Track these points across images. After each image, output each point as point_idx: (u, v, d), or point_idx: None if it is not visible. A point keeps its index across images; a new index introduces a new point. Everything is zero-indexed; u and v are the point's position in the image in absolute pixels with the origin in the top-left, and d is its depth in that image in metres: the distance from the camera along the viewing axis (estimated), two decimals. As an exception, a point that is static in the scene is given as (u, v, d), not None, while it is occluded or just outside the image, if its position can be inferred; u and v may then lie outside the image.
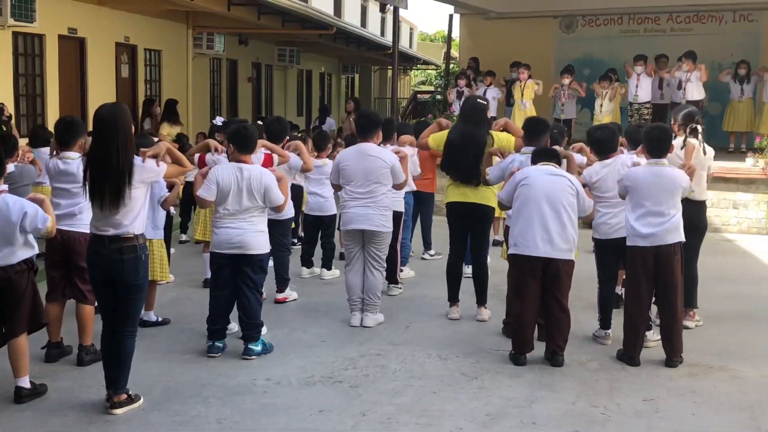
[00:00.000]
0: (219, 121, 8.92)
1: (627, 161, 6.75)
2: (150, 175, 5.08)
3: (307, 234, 9.35)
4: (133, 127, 5.12)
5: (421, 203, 9.69)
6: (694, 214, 6.95)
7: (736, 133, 15.27)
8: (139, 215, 5.08)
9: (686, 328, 6.98)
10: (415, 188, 9.16)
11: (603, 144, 6.87)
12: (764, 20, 17.44)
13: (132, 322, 5.19)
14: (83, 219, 5.86)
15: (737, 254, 10.95)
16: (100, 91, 13.56)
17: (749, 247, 11.34)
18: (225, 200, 6.13)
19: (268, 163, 7.07)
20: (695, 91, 14.05)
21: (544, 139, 6.91)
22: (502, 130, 7.47)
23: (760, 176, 12.34)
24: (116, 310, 5.13)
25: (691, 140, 7.05)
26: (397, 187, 7.29)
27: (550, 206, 6.10)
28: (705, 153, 7.12)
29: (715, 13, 17.82)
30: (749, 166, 12.61)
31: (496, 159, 7.03)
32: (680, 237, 6.20)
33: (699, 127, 7.12)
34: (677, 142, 6.99)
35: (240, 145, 6.24)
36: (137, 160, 4.99)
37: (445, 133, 7.43)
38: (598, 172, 6.77)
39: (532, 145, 6.75)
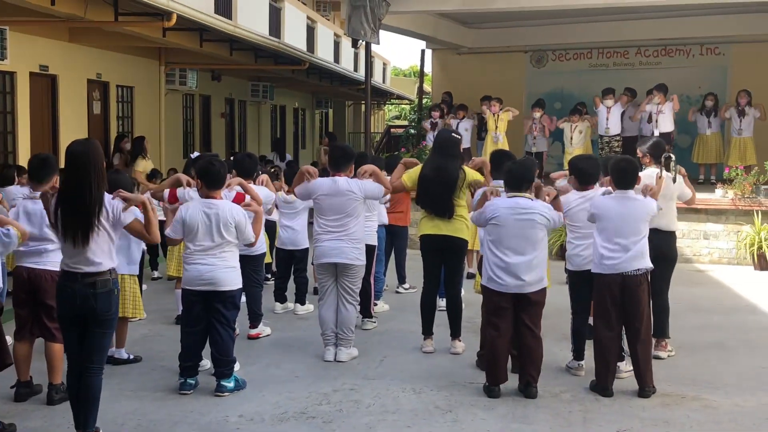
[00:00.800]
0: (195, 155, 8.90)
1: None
2: (116, 216, 5.05)
3: (280, 268, 9.32)
4: (104, 164, 5.11)
5: (394, 237, 9.70)
6: (665, 244, 7.02)
7: (706, 164, 15.47)
8: (111, 250, 5.06)
9: (658, 358, 7.03)
10: (387, 222, 9.18)
11: (585, 174, 6.82)
12: (731, 53, 17.78)
13: (100, 358, 5.13)
14: (50, 257, 5.86)
15: (709, 284, 11.04)
16: (72, 128, 13.50)
17: (720, 277, 11.44)
18: (194, 237, 6.10)
19: (239, 199, 7.05)
20: (666, 124, 14.21)
21: None
22: (477, 169, 7.49)
23: (730, 207, 12.50)
24: (84, 347, 5.06)
25: (658, 170, 7.06)
26: (386, 192, 7.33)
27: (520, 247, 6.11)
28: (675, 182, 7.18)
29: (683, 47, 18.15)
30: (719, 197, 12.77)
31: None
32: (646, 264, 6.25)
33: (672, 156, 7.20)
34: (649, 172, 7.05)
35: (208, 181, 6.20)
36: (107, 197, 4.99)
37: (418, 168, 7.45)
38: (574, 201, 6.77)
39: (499, 178, 6.78)
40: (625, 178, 6.33)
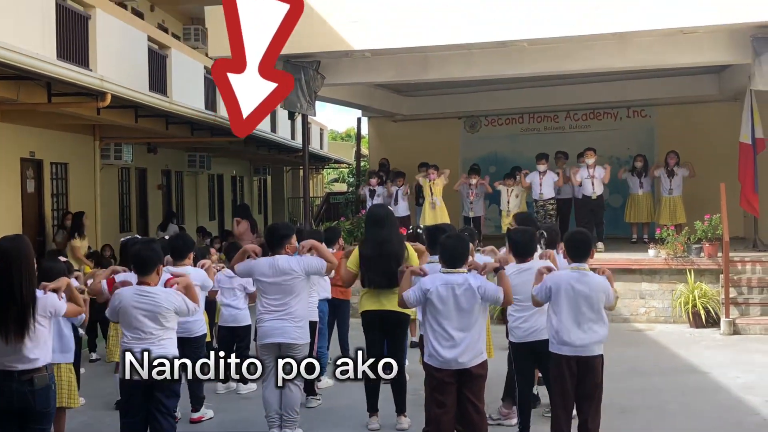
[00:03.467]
0: (127, 239, 8.81)
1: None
2: (52, 309, 5.01)
3: (222, 347, 9.21)
4: (34, 259, 5.07)
5: (337, 309, 9.67)
6: None
7: (638, 224, 15.86)
8: (47, 343, 5.00)
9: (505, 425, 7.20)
10: (330, 296, 9.18)
11: (522, 246, 6.93)
12: (657, 115, 18.38)
13: (41, 456, 5.01)
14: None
15: (647, 344, 11.24)
16: (5, 207, 13.27)
17: (657, 337, 11.66)
18: (129, 325, 6.00)
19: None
20: (599, 186, 14.54)
21: None
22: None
23: (663, 266, 12.80)
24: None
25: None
26: (329, 269, 7.23)
27: (457, 323, 6.05)
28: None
29: (610, 110, 18.69)
30: (652, 256, 13.08)
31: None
32: (601, 351, 6.25)
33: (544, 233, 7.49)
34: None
35: (139, 268, 6.09)
36: (39, 292, 4.95)
37: (357, 250, 7.50)
38: (514, 274, 6.77)
39: (434, 254, 6.84)
40: (580, 249, 6.34)
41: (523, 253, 6.93)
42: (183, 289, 6.16)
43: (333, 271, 7.49)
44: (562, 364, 6.23)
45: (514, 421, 7.31)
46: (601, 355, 6.25)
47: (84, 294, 5.72)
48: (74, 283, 5.87)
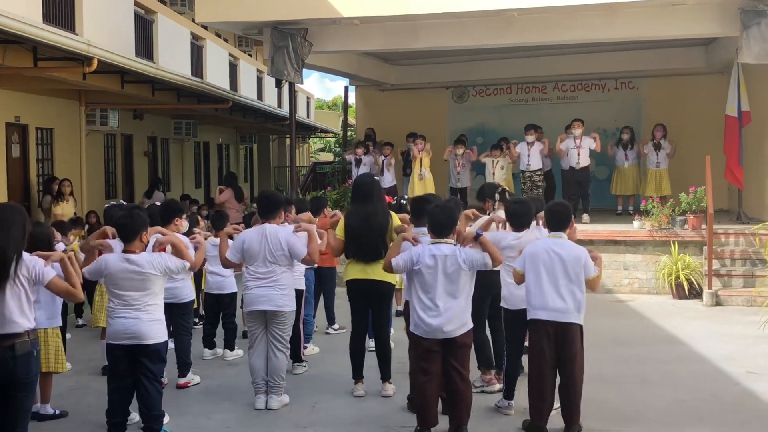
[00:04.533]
0: (112, 204, 8.78)
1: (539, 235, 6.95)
2: (35, 273, 4.97)
3: (208, 314, 9.25)
4: (26, 226, 5.04)
5: (322, 278, 9.73)
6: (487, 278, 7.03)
7: (624, 196, 15.95)
8: (29, 310, 4.96)
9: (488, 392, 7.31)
10: (316, 264, 9.19)
11: (519, 217, 7.03)
12: (645, 87, 18.41)
13: (25, 422, 5.01)
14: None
15: (629, 315, 11.33)
16: (-10, 172, 13.23)
17: (640, 308, 11.76)
18: (114, 291, 6.00)
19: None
20: (585, 158, 14.60)
21: None
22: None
23: (647, 238, 12.88)
24: (7, 413, 4.93)
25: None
26: (305, 262, 7.27)
27: (444, 294, 6.13)
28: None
29: (598, 81, 18.72)
30: (636, 228, 13.16)
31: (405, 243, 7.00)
32: (579, 321, 6.31)
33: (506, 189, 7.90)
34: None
35: (124, 234, 6.08)
36: (26, 255, 4.93)
37: (343, 220, 7.52)
38: (510, 240, 6.95)
39: (420, 225, 6.88)
40: (559, 220, 6.46)
41: (519, 224, 7.01)
42: (172, 248, 6.17)
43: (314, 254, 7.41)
44: (539, 329, 6.33)
45: (497, 386, 7.39)
46: (580, 325, 6.33)
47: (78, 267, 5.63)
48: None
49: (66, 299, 5.52)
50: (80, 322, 10.80)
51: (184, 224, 7.65)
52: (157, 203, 9.29)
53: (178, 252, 6.15)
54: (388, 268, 6.42)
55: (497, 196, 7.96)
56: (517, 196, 10.19)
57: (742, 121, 13.61)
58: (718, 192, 13.95)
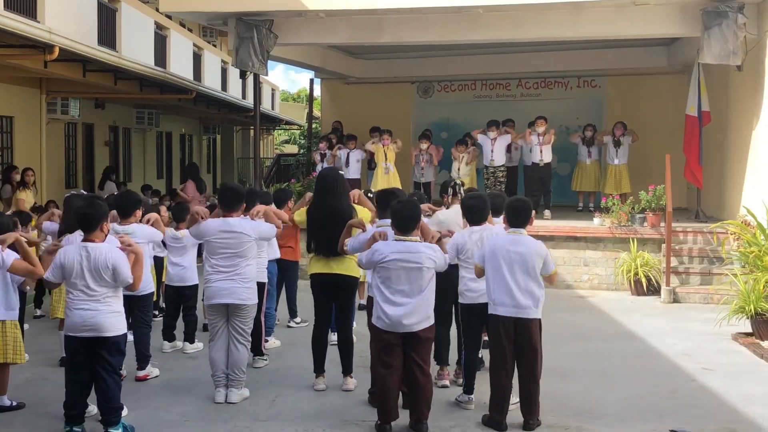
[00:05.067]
0: (71, 194, 8.68)
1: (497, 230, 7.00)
2: None
3: (169, 306, 9.19)
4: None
5: (285, 271, 9.70)
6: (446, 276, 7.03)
7: (584, 192, 16.12)
8: None
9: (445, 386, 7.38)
10: (279, 256, 9.18)
11: (475, 212, 7.06)
12: (607, 85, 18.61)
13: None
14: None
15: (589, 310, 11.46)
16: (-52, 160, 13.00)
17: (600, 304, 11.89)
18: (73, 282, 5.95)
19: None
20: (547, 154, 14.74)
21: None
22: (355, 202, 7.63)
23: (607, 235, 13.03)
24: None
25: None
26: (278, 233, 7.52)
27: (408, 290, 6.17)
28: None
29: (561, 79, 18.88)
30: (597, 225, 13.30)
31: (355, 230, 7.10)
32: (538, 315, 6.41)
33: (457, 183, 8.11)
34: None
35: (84, 225, 6.05)
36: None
37: (305, 211, 7.52)
38: (467, 238, 6.97)
39: (384, 217, 6.91)
40: (519, 216, 6.54)
41: (476, 219, 7.05)
42: (132, 258, 6.12)
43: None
44: (498, 325, 6.40)
45: (446, 381, 7.47)
46: (539, 320, 6.42)
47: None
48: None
49: (29, 277, 5.46)
50: (38, 312, 10.66)
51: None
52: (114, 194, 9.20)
53: (135, 263, 6.09)
54: (342, 250, 6.67)
55: (450, 190, 8.04)
56: (477, 191, 10.26)
57: (702, 121, 13.80)
58: (678, 190, 14.15)
